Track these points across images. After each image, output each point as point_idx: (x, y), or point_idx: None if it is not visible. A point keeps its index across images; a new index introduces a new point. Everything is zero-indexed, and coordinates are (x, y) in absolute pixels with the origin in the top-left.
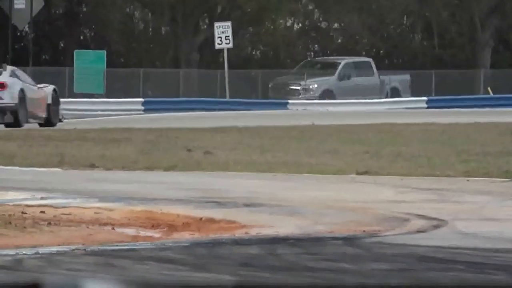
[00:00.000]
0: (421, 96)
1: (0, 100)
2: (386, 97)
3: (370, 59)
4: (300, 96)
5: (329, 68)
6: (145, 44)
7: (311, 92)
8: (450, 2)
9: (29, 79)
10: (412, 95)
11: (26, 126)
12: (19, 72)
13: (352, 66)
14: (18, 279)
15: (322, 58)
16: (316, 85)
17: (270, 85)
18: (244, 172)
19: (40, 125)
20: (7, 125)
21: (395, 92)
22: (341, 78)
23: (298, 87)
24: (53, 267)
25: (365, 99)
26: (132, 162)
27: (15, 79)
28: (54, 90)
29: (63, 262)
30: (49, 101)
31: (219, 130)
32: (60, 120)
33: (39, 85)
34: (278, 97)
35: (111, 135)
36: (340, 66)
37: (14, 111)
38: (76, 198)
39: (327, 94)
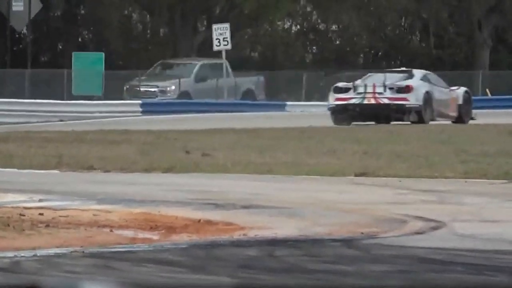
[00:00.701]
0: None
1: (405, 101)
2: (241, 98)
3: (225, 61)
4: (157, 98)
5: (186, 69)
6: (143, 46)
7: (168, 94)
8: (448, 2)
9: (441, 82)
10: (268, 97)
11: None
12: (431, 76)
13: (208, 68)
14: (17, 282)
15: (178, 59)
16: (173, 87)
17: (125, 88)
18: (242, 173)
19: (453, 122)
20: (413, 122)
21: (250, 94)
22: (197, 79)
23: (155, 89)
24: (51, 269)
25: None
26: (131, 164)
27: (424, 83)
28: (466, 92)
29: (62, 264)
30: (460, 101)
31: (217, 131)
32: (472, 118)
33: (451, 88)
34: (133, 98)
35: (109, 137)
36: (196, 68)
37: (418, 111)
38: (74, 200)
39: (184, 95)
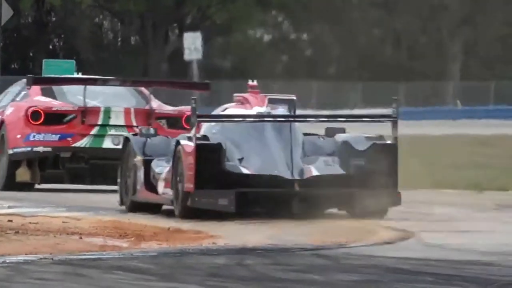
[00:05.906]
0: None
1: None
2: None
3: None
4: None
5: None
6: (114, 54)
7: None
8: (420, 14)
9: None
10: None
11: None
12: None
13: None
14: None
15: None
16: None
17: None
18: None
19: None
20: None
21: None
22: None
23: None
24: (20, 276)
25: None
26: None
27: None
28: None
29: (31, 271)
30: None
31: None
32: None
33: None
34: None
35: None
36: None
37: None
38: (44, 207)
39: None
